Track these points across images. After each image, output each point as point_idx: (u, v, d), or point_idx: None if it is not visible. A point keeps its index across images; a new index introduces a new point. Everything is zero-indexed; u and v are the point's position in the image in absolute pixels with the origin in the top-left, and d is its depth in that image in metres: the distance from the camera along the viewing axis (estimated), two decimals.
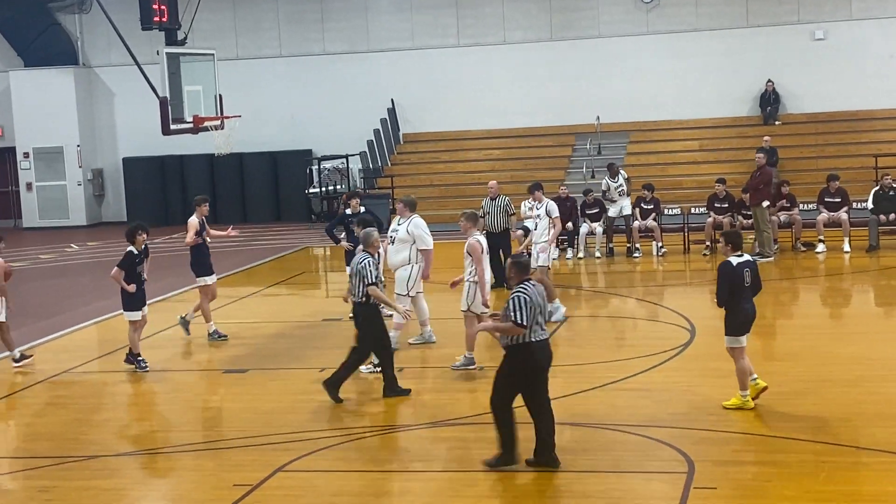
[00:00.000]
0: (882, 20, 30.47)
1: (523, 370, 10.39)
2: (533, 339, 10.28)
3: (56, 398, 14.26)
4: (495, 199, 19.80)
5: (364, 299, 13.19)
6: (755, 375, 12.19)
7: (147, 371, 15.02)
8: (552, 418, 10.55)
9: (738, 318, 11.96)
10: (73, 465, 11.38)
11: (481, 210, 20.08)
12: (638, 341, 15.67)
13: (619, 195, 23.86)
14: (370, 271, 13.17)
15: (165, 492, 10.83)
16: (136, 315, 15.15)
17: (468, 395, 13.51)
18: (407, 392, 13.32)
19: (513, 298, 10.29)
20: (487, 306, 14.03)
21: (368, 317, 13.26)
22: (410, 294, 15.23)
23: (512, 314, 10.19)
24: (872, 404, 12.21)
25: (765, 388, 12.13)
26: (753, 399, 12.09)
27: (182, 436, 12.31)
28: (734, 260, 12.00)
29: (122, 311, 15.42)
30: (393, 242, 15.48)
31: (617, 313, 18.73)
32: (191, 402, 13.82)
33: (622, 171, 24.17)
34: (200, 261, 16.85)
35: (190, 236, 16.70)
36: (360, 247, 13.98)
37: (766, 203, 22.11)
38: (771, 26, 31.10)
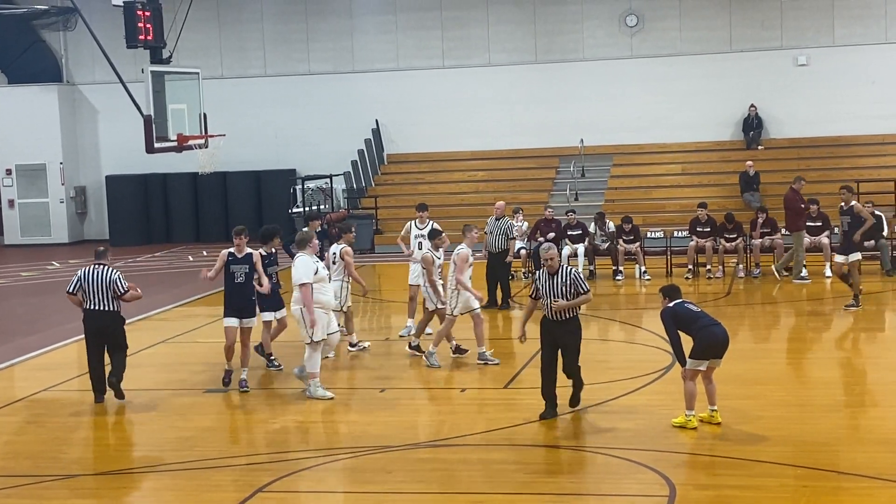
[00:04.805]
0: (864, 46, 30.66)
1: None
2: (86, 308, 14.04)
3: (35, 416, 14.18)
4: (500, 219, 20.26)
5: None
6: (715, 407, 12.38)
7: (280, 370, 15.76)
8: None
9: (703, 342, 12.16)
10: (52, 484, 11.31)
11: (486, 228, 20.37)
12: (620, 364, 15.68)
13: (602, 241, 23.94)
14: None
15: None
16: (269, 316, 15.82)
17: (448, 416, 13.51)
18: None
19: None
20: (443, 302, 15.92)
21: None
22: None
23: None
24: (853, 429, 12.26)
25: (718, 423, 12.33)
26: (701, 422, 12.32)
27: (161, 455, 12.25)
28: (671, 304, 12.47)
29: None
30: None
31: (599, 336, 18.73)
32: (171, 421, 13.75)
33: (609, 223, 24.13)
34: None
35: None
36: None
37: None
38: (754, 51, 31.27)
